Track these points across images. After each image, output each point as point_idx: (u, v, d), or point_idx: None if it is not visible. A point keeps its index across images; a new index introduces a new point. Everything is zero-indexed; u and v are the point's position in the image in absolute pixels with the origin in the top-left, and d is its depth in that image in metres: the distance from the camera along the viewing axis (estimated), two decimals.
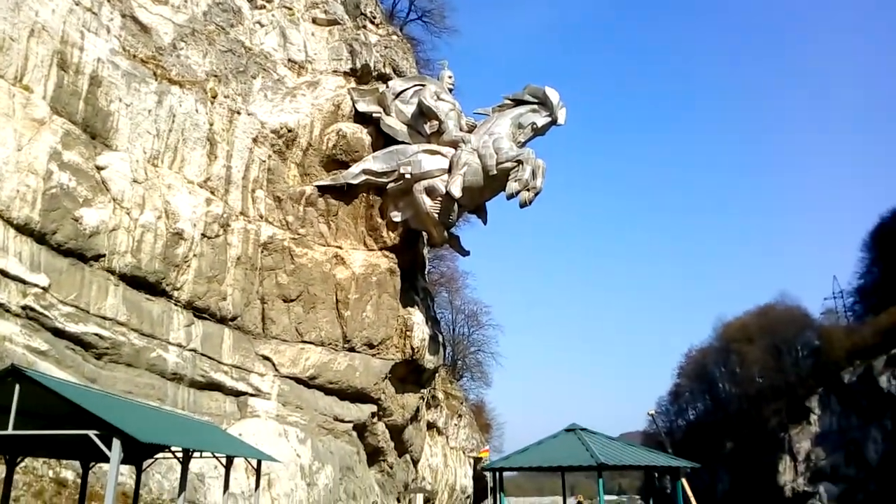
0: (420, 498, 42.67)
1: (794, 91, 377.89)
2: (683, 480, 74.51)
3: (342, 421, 32.73)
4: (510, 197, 32.85)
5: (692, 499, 71.44)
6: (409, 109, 35.87)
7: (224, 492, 16.30)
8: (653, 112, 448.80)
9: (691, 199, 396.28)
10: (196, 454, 15.80)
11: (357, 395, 33.25)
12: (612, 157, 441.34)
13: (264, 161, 32.07)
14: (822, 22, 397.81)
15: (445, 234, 35.86)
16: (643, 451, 16.61)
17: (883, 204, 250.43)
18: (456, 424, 54.49)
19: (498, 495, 20.64)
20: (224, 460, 15.72)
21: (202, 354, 28.55)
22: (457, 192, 33.06)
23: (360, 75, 36.19)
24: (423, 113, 35.71)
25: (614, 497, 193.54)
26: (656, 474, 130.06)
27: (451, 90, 38.13)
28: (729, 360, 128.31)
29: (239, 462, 19.71)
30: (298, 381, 31.34)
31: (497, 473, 14.80)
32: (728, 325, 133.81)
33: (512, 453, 22.54)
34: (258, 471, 17.92)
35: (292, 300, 31.58)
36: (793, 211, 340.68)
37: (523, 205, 32.87)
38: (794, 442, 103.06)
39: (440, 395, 50.85)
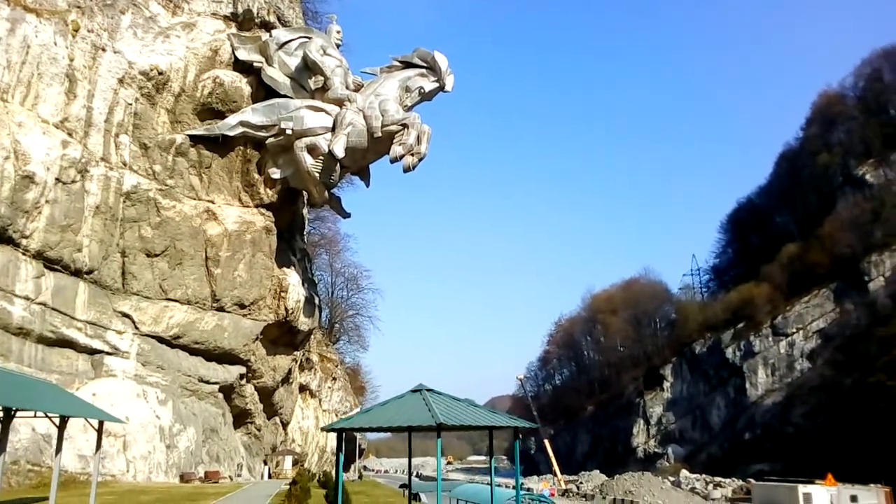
0: (289, 460, 42.19)
1: (662, 91, 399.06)
2: (546, 442, 78.64)
3: (208, 382, 31.57)
4: (394, 160, 32.46)
5: (553, 458, 75.70)
6: (294, 62, 34.41)
7: (56, 453, 15.17)
8: (542, 79, 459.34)
9: (570, 175, 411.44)
10: (27, 414, 14.56)
11: (225, 356, 32.12)
12: (497, 125, 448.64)
13: (131, 104, 29.76)
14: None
15: (326, 194, 35.03)
16: (485, 412, 17.16)
17: (741, 190, 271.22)
18: (330, 387, 54.15)
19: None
20: (58, 421, 14.59)
21: (53, 309, 26.47)
22: (340, 151, 32.26)
23: (242, 21, 34.22)
24: (309, 67, 34.36)
25: (482, 457, 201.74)
26: (520, 436, 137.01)
27: (338, 46, 36.92)
28: (594, 329, 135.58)
29: (92, 424, 18.42)
30: (161, 340, 29.80)
31: (340, 434, 14.81)
32: (596, 296, 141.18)
33: (354, 414, 22.64)
34: (99, 431, 16.84)
35: (157, 255, 29.82)
36: (662, 192, 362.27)
37: (407, 169, 32.59)
38: (649, 407, 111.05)
39: (315, 358, 50.23)
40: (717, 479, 61.75)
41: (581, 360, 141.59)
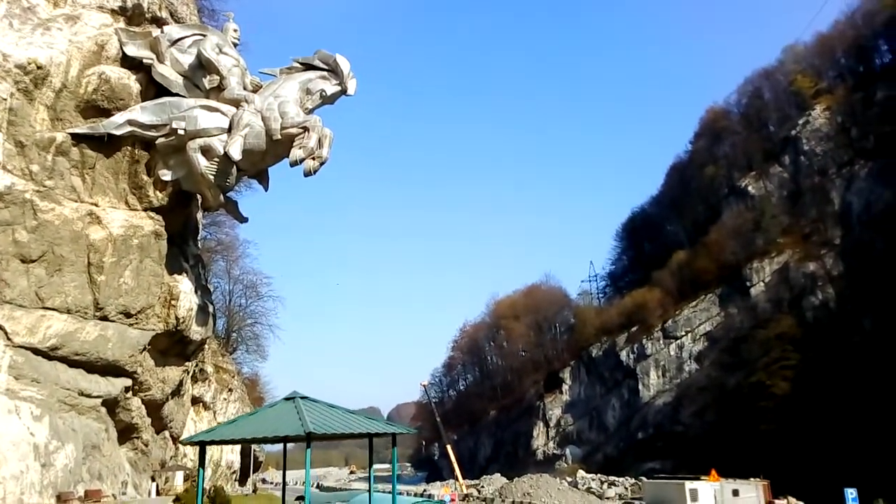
0: (180, 475, 40.29)
1: (558, 96, 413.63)
2: (449, 447, 79.13)
3: (89, 396, 29.61)
4: (294, 164, 31.61)
5: (455, 463, 76.22)
6: (187, 60, 32.92)
7: None
8: (445, 82, 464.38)
9: (475, 183, 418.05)
10: None
11: (108, 368, 30.25)
12: (402, 128, 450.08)
13: (5, 99, 27.56)
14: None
15: (222, 197, 33.66)
16: (361, 420, 16.89)
17: (636, 199, 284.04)
18: (226, 399, 52.20)
19: (200, 471, 19.27)
20: None
21: None
22: (236, 154, 31.11)
23: (131, 16, 32.45)
24: (203, 66, 32.95)
25: (387, 465, 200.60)
26: (423, 442, 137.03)
27: (235, 45, 35.66)
28: (498, 334, 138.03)
29: None
30: (37, 351, 27.69)
31: (202, 448, 14.06)
32: (499, 302, 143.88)
33: (219, 425, 21.65)
34: None
35: (33, 261, 27.71)
36: (564, 200, 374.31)
37: (307, 173, 31.83)
38: (548, 410, 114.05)
39: (209, 369, 48.31)
40: (612, 478, 64.06)
41: (485, 365, 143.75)
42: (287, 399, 16.17)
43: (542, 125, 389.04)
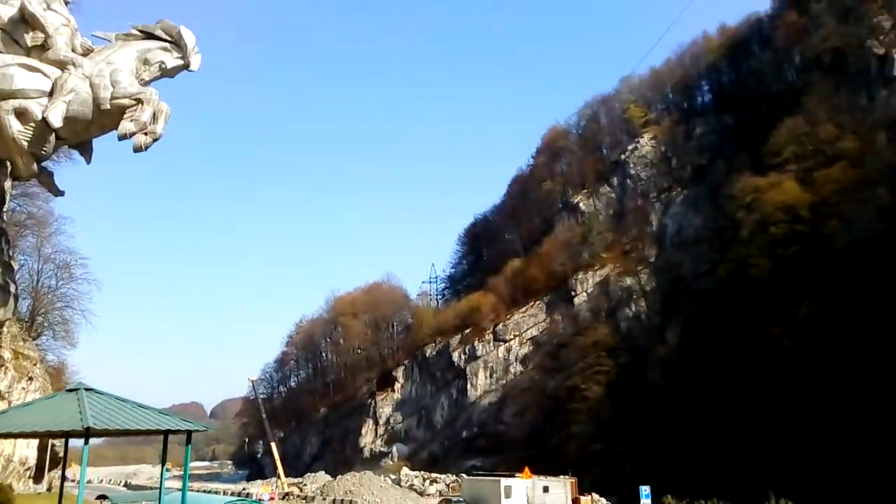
0: None
1: (410, 92, 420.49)
2: (273, 445, 77.31)
3: None
4: (122, 137, 29.17)
5: (278, 460, 74.59)
6: (8, 12, 29.38)
7: None
8: (290, 76, 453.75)
9: (324, 179, 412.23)
10: None
11: None
12: (246, 117, 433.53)
13: None
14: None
15: (35, 167, 30.35)
16: (154, 415, 15.90)
17: (481, 205, 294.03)
18: (24, 388, 47.12)
19: None
20: None
21: None
22: (56, 120, 28.18)
23: None
24: (26, 20, 29.67)
25: (206, 463, 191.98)
26: (247, 439, 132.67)
27: (66, 3, 32.51)
28: (335, 331, 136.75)
29: None
30: None
31: None
32: (340, 298, 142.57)
33: None
34: None
35: None
36: (412, 199, 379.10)
37: (138, 149, 29.51)
38: (379, 408, 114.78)
39: (6, 355, 43.43)
40: (434, 475, 65.62)
41: (319, 361, 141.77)
42: (70, 390, 14.83)
43: (394, 121, 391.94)
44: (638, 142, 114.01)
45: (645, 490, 36.37)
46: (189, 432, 21.29)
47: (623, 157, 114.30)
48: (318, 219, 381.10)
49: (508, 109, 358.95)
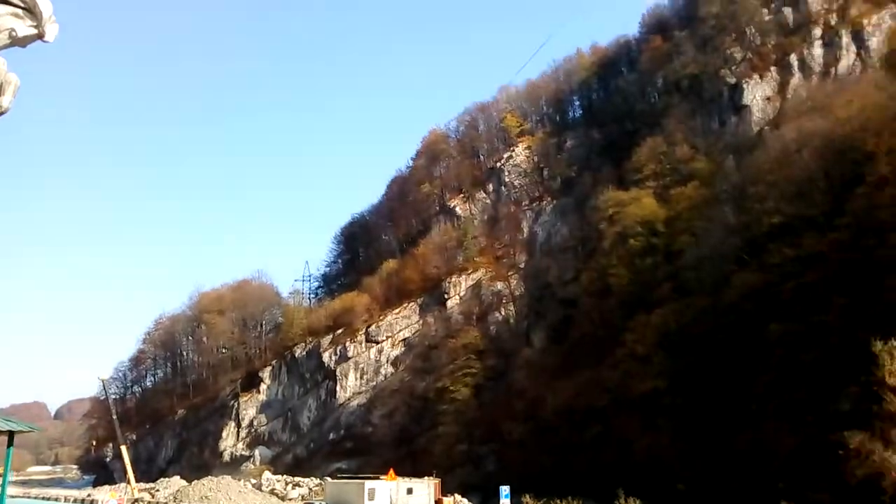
0: None
1: (289, 89, 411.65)
2: (123, 448, 72.24)
3: None
4: None
5: (128, 465, 69.76)
6: None
7: None
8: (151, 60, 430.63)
9: (186, 171, 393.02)
10: None
11: None
12: (106, 99, 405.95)
13: None
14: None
15: None
16: None
17: (357, 204, 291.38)
18: None
19: None
20: None
21: None
22: None
23: None
24: None
25: (47, 468, 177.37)
26: (94, 442, 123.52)
27: None
28: (199, 329, 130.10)
29: None
30: None
31: None
32: (205, 295, 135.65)
33: None
34: None
35: None
36: (289, 195, 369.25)
37: None
38: (242, 409, 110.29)
39: None
40: (297, 479, 63.92)
41: (179, 361, 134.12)
42: None
43: (265, 119, 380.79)
44: (513, 150, 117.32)
45: (504, 490, 37.16)
46: (10, 433, 19.31)
47: (499, 164, 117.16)
48: (184, 210, 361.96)
49: (391, 110, 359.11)
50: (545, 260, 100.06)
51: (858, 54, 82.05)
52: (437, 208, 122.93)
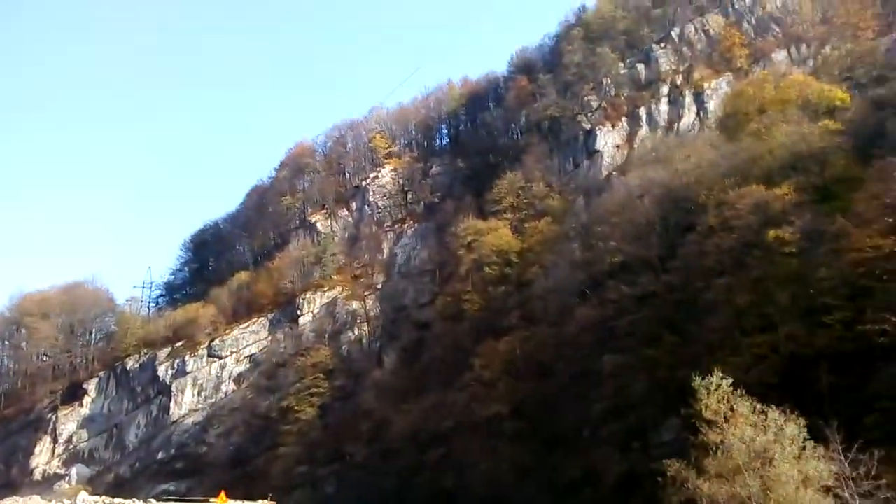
0: None
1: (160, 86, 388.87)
2: None
3: None
4: None
5: None
6: None
7: None
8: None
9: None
10: None
11: None
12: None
13: None
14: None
15: None
16: None
17: (210, 212, 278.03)
18: None
19: None
20: None
21: None
22: None
23: None
24: None
25: None
26: None
27: None
28: (18, 333, 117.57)
29: None
30: None
31: None
32: (29, 297, 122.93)
33: None
34: None
35: None
36: (136, 197, 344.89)
37: None
38: (61, 424, 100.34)
39: None
40: (118, 500, 58.95)
41: None
42: None
43: (129, 102, 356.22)
44: (380, 171, 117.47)
45: None
46: None
47: (364, 183, 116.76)
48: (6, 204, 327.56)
49: (255, 118, 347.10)
50: (403, 282, 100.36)
51: (698, 114, 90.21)
52: (298, 222, 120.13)
